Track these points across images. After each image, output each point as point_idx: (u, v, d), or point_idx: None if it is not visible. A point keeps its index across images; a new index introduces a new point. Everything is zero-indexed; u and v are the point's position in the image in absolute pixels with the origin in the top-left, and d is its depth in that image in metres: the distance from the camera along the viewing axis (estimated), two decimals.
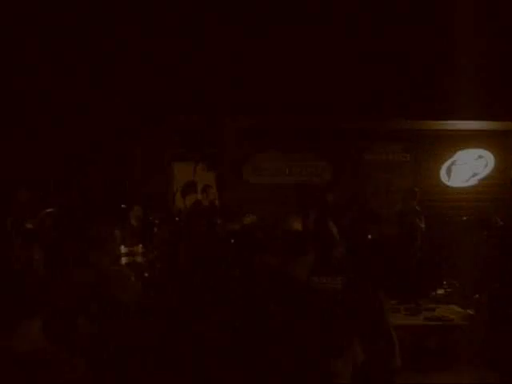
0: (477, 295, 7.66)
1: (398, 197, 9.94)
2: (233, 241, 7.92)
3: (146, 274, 7.44)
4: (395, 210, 9.32)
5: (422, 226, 8.43)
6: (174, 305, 5.89)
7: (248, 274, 5.88)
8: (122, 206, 8.29)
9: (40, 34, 8.13)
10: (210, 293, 5.64)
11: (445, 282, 8.90)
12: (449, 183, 10.14)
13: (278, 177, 10.07)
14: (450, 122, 9.48)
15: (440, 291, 8.88)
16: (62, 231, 7.91)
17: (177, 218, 8.41)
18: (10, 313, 2.01)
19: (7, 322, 2.01)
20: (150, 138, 9.39)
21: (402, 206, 8.96)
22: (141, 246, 7.68)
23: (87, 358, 2.20)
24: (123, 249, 7.56)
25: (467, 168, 10.08)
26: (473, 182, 10.16)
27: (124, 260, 7.58)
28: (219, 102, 8.60)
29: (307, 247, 3.01)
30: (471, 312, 7.70)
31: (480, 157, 10.07)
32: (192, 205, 8.83)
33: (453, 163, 10.10)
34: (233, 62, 8.72)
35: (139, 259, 7.55)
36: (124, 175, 9.37)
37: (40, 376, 1.96)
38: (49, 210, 7.52)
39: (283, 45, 8.82)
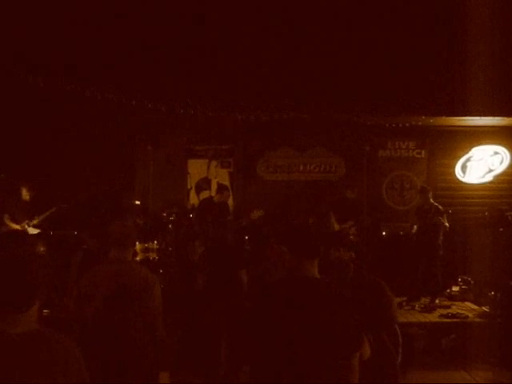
0: (492, 292, 7.62)
1: (412, 193, 9.91)
2: (247, 237, 7.99)
3: (161, 271, 7.51)
4: (410, 206, 9.27)
5: (446, 224, 8.24)
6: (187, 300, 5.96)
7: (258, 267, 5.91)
8: (137, 202, 8.34)
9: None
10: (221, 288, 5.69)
11: (460, 280, 8.86)
12: (464, 179, 10.05)
13: (291, 174, 10.08)
14: (465, 118, 9.39)
15: (455, 288, 8.84)
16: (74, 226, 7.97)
17: (191, 215, 8.46)
18: (10, 301, 2.00)
19: (5, 310, 2.00)
20: (164, 134, 9.43)
21: (418, 204, 8.75)
22: (155, 242, 7.73)
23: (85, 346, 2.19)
24: (138, 245, 7.62)
25: (483, 164, 9.98)
26: (488, 178, 10.06)
27: (139, 257, 7.64)
28: (233, 99, 8.62)
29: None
30: (486, 309, 7.66)
31: (496, 153, 9.98)
32: (202, 201, 8.87)
33: (468, 159, 10.02)
34: (245, 59, 8.73)
35: (154, 255, 7.60)
36: (138, 173, 9.41)
37: (31, 357, 1.96)
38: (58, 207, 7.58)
39: (296, 41, 8.81)
